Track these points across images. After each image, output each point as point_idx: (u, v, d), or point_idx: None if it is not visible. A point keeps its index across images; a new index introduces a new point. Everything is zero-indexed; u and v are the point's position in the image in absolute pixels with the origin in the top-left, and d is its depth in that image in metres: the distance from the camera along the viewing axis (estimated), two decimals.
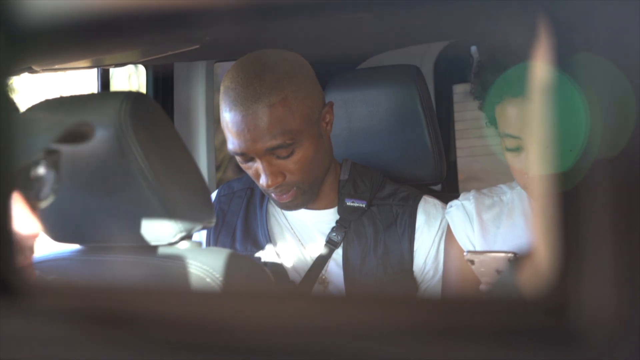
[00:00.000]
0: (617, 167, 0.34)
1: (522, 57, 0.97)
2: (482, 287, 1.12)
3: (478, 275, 1.10)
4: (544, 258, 0.38)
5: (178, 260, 0.83)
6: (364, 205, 1.31)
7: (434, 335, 0.37)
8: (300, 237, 1.33)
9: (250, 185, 1.40)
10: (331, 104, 1.28)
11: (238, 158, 1.24)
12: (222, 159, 3.04)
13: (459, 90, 2.37)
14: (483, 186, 1.31)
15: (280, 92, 1.17)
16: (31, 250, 0.62)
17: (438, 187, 1.80)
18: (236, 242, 1.35)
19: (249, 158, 1.22)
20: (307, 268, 1.30)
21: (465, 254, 1.11)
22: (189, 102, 1.87)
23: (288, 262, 1.32)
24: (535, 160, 0.43)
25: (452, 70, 2.28)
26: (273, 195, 1.26)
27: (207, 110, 1.88)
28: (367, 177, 1.35)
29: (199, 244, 0.89)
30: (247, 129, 1.17)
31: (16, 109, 0.66)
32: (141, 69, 1.83)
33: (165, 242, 0.85)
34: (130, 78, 2.39)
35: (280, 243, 1.34)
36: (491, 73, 1.09)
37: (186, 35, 1.14)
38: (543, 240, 0.38)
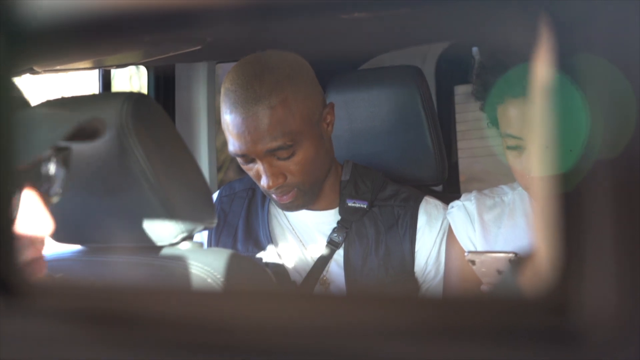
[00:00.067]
0: (617, 168, 0.34)
1: (523, 57, 0.97)
2: (483, 287, 1.12)
3: (479, 275, 1.10)
4: (544, 258, 0.38)
5: (179, 261, 0.83)
6: (365, 206, 1.31)
7: (434, 335, 0.37)
8: (302, 238, 1.33)
9: (252, 186, 1.40)
10: (332, 105, 1.28)
11: (239, 159, 1.24)
12: (223, 160, 3.04)
13: (461, 91, 2.37)
14: (484, 187, 1.31)
15: (280, 94, 1.17)
16: (42, 244, 0.63)
17: (439, 188, 1.80)
18: (237, 242, 1.36)
19: (249, 159, 1.22)
20: (308, 269, 1.31)
21: (466, 254, 1.11)
22: (190, 103, 1.87)
23: (289, 263, 1.32)
24: (536, 161, 0.43)
25: (453, 71, 2.28)
26: (274, 196, 1.26)
27: (209, 111, 1.88)
28: (369, 178, 1.35)
29: (201, 244, 0.89)
30: (248, 130, 1.17)
31: (27, 103, 0.66)
32: (142, 70, 1.83)
33: (167, 243, 0.85)
34: (132, 79, 2.40)
35: (281, 244, 1.34)
36: (492, 74, 1.09)
37: (187, 36, 1.14)
38: (544, 241, 0.38)
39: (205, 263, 0.82)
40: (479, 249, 1.23)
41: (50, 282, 0.63)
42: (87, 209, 0.84)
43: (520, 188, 1.23)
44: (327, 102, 1.29)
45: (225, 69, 1.92)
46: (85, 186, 0.82)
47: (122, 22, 0.50)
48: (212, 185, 1.90)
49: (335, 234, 1.30)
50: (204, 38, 1.16)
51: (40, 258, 0.63)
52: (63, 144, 0.66)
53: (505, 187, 1.28)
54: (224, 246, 1.37)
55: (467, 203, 1.27)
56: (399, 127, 1.48)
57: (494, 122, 1.12)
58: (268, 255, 1.32)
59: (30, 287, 0.46)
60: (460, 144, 2.40)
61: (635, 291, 0.33)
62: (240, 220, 1.38)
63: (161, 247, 0.86)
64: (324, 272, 1.30)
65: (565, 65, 0.35)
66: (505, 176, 1.25)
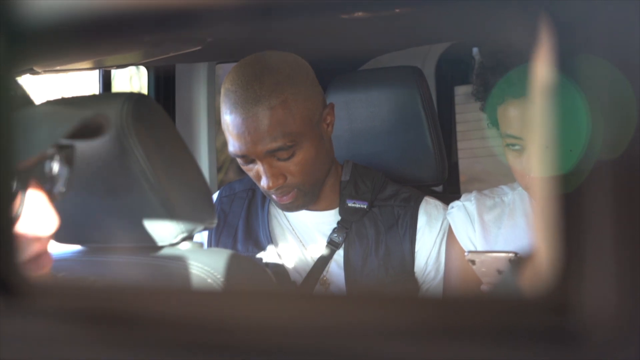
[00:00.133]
0: (618, 168, 0.34)
1: (523, 58, 0.97)
2: (483, 287, 1.12)
3: (479, 275, 1.10)
4: (545, 258, 0.38)
5: (179, 261, 0.83)
6: (365, 206, 1.31)
7: (434, 335, 0.37)
8: (302, 238, 1.33)
9: (252, 187, 1.41)
10: (332, 106, 1.28)
11: (239, 160, 1.24)
12: (223, 160, 3.05)
13: (461, 91, 2.37)
14: (485, 187, 1.32)
15: (280, 95, 1.17)
16: (48, 239, 0.63)
17: (439, 188, 1.80)
18: (238, 243, 1.36)
19: (249, 160, 1.22)
20: (308, 269, 1.31)
21: (466, 254, 1.11)
22: (191, 104, 1.87)
23: (289, 263, 1.32)
24: (536, 161, 0.43)
25: (453, 71, 2.28)
26: (274, 196, 1.26)
27: (209, 112, 1.88)
28: (369, 178, 1.35)
29: (201, 244, 0.89)
30: (248, 131, 1.17)
31: (31, 102, 0.66)
32: (143, 71, 1.83)
33: (167, 243, 0.85)
34: (132, 79, 2.40)
35: (281, 244, 1.34)
36: (493, 74, 1.09)
37: (187, 36, 1.14)
38: (544, 241, 0.38)
39: (205, 263, 0.82)
40: (479, 249, 1.23)
41: (50, 282, 0.63)
42: (87, 209, 0.84)
43: (520, 188, 1.23)
44: (327, 102, 1.29)
45: (226, 70, 1.92)
46: (86, 186, 0.82)
47: (122, 22, 0.50)
48: (212, 186, 1.90)
49: (335, 234, 1.30)
50: (204, 38, 1.16)
51: (46, 253, 0.63)
52: (67, 141, 0.66)
53: (505, 187, 1.28)
54: (224, 246, 1.37)
55: (467, 203, 1.27)
56: (399, 128, 1.48)
57: (494, 123, 1.12)
58: (268, 255, 1.32)
59: (30, 287, 0.46)
60: (461, 144, 2.41)
61: (635, 291, 0.33)
62: (240, 221, 1.38)
63: (161, 247, 0.86)
64: (324, 273, 1.30)
65: (565, 65, 0.35)
66: (505, 176, 1.25)
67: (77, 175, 0.73)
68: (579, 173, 0.34)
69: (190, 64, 1.84)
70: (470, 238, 1.25)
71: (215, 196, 1.44)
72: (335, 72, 1.58)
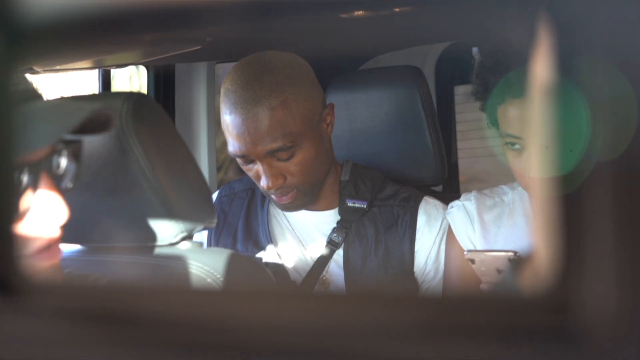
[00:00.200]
0: (618, 168, 0.34)
1: (523, 58, 0.97)
2: (483, 286, 1.12)
3: (479, 274, 1.10)
4: (544, 258, 0.38)
5: (179, 261, 0.83)
6: (364, 206, 1.31)
7: (434, 335, 0.37)
8: (301, 238, 1.33)
9: (251, 186, 1.41)
10: (332, 106, 1.28)
11: (239, 160, 1.24)
12: (223, 160, 3.05)
13: (461, 91, 2.37)
14: (484, 187, 1.32)
15: (280, 95, 1.17)
16: (56, 231, 0.64)
17: (439, 188, 1.80)
18: (237, 242, 1.36)
19: (249, 160, 1.22)
20: (308, 269, 1.31)
21: (465, 253, 1.11)
22: (190, 103, 1.87)
23: (289, 263, 1.32)
24: (536, 161, 0.43)
25: (453, 71, 2.28)
26: (273, 196, 1.26)
27: (208, 111, 1.88)
28: (368, 178, 1.35)
29: (200, 244, 0.89)
30: (248, 131, 1.17)
31: (39, 96, 0.66)
32: (142, 70, 1.83)
33: (166, 243, 0.85)
34: (132, 79, 2.40)
35: (281, 244, 1.34)
36: (493, 74, 1.09)
37: (187, 36, 1.14)
38: (544, 241, 0.38)
39: (204, 263, 0.82)
40: (479, 248, 1.23)
41: (50, 282, 0.63)
42: (87, 208, 0.84)
43: (520, 188, 1.23)
44: (327, 102, 1.29)
45: (225, 69, 1.92)
46: (85, 186, 0.82)
47: (122, 21, 0.50)
48: (211, 185, 1.90)
49: (335, 234, 1.30)
50: (204, 38, 1.16)
51: (55, 244, 0.64)
52: (75, 137, 0.67)
53: (505, 187, 1.28)
54: (224, 246, 1.37)
55: (466, 203, 1.27)
56: (399, 127, 1.48)
57: (494, 123, 1.12)
58: (268, 255, 1.32)
59: (30, 286, 0.46)
60: (460, 144, 2.41)
61: (635, 291, 0.33)
62: (239, 221, 1.38)
63: (161, 247, 0.86)
64: (324, 272, 1.30)
65: (565, 65, 0.35)
66: (505, 176, 1.25)
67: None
68: (579, 173, 0.34)
69: (190, 64, 1.84)
70: (470, 237, 1.25)
71: (214, 196, 1.44)
72: (335, 72, 1.58)
